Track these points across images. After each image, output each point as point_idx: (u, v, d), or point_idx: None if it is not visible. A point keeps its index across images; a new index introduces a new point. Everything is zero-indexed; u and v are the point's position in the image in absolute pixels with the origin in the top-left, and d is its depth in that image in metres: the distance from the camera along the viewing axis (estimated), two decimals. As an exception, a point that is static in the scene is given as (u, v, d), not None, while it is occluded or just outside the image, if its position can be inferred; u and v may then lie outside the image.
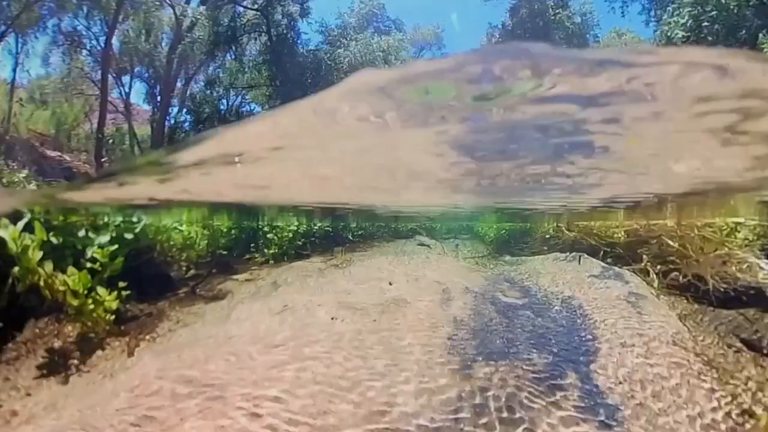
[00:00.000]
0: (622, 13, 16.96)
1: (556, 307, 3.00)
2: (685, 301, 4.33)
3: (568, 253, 6.65)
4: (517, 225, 10.06)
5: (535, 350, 2.08)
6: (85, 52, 14.69)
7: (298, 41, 20.13)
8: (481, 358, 1.86)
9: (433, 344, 1.97)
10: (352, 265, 5.62)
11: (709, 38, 11.92)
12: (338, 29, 21.88)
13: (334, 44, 21.14)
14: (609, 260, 6.00)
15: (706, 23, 11.67)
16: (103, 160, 12.22)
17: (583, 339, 2.37)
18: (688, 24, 12.19)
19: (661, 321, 3.02)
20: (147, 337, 4.11)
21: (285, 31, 19.17)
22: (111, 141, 12.04)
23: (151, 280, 5.27)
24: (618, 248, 5.83)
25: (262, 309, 2.84)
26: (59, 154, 12.61)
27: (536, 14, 19.27)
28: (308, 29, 31.18)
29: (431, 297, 2.72)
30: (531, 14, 19.35)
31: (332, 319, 2.29)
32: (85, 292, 4.03)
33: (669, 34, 12.83)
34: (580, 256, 5.59)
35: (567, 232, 7.80)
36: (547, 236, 8.52)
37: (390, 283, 3.20)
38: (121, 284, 4.65)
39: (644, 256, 4.47)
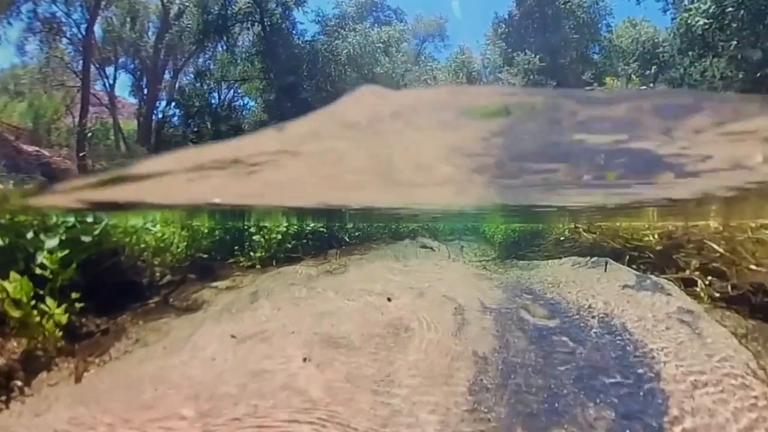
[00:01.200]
0: (638, 0, 16.39)
1: (596, 330, 2.45)
2: (738, 316, 3.78)
3: (588, 258, 6.10)
4: (528, 226, 9.53)
5: (589, 402, 1.54)
6: (65, 40, 14.13)
7: (294, 31, 19.57)
8: (519, 427, 1.32)
9: (449, 403, 1.42)
10: (347, 272, 5.07)
11: (733, 25, 11.36)
12: (336, 19, 21.30)
13: (332, 35, 20.58)
14: (634, 266, 5.47)
15: (730, 9, 11.10)
16: (81, 154, 11.69)
17: (644, 378, 1.83)
18: (711, 10, 11.63)
19: (727, 347, 2.48)
20: (97, 360, 3.57)
21: (279, 21, 18.61)
22: (89, 134, 11.50)
23: (116, 289, 4.73)
24: (647, 253, 5.28)
25: (225, 335, 2.31)
26: (36, 149, 12.06)
27: (545, 3, 18.69)
28: (304, 19, 30.55)
29: (441, 320, 2.18)
30: (539, 3, 18.78)
31: (304, 360, 1.74)
32: (31, 302, 3.52)
33: (689, 21, 12.26)
34: (606, 262, 5.04)
35: (585, 233, 7.25)
36: (562, 238, 7.98)
37: (389, 299, 2.65)
38: (74, 295, 4.12)
39: (692, 263, 3.90)
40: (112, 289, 4.67)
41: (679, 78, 13.14)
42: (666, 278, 4.38)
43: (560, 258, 7.12)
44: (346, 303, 2.59)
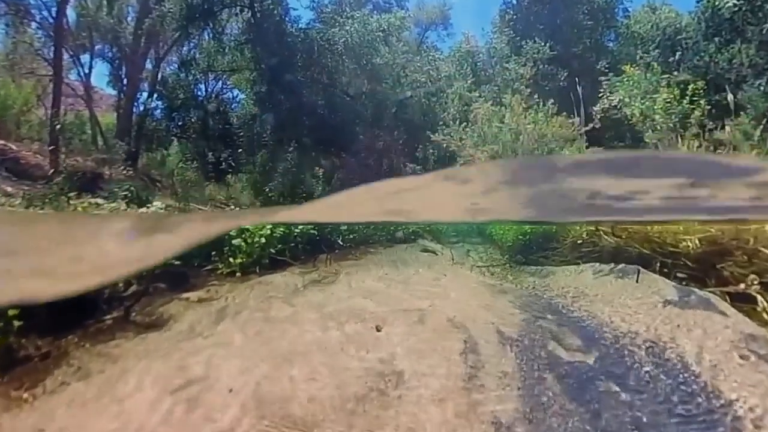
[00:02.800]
0: (657, -17, 15.91)
1: (648, 369, 1.97)
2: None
3: (612, 265, 5.62)
4: (540, 228, 9.07)
5: None
6: (34, 24, 13.62)
7: (287, 18, 19.08)
8: None
9: None
10: (336, 284, 4.59)
11: (766, 7, 10.85)
12: (332, 5, 20.79)
13: (328, 22, 20.09)
14: (664, 273, 4.99)
15: (763, -12, 10.60)
16: (50, 148, 11.20)
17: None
18: (741, -9, 11.14)
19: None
20: (26, 394, 3.09)
21: (271, 7, 18.12)
22: (58, 127, 11.01)
23: (68, 302, 4.26)
24: (684, 260, 4.79)
25: (156, 381, 1.82)
26: (3, 142, 11.59)
27: (556, -13, 18.22)
28: (298, 5, 30.05)
29: (446, 362, 1.69)
30: (550, -13, 18.30)
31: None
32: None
33: (716, 3, 11.76)
34: (638, 271, 4.54)
35: (606, 237, 6.76)
36: (579, 241, 7.51)
37: (377, 329, 2.16)
38: (12, 312, 3.67)
39: (749, 276, 3.41)
40: (64, 303, 4.22)
41: (704, 66, 12.65)
42: (710, 292, 3.90)
43: (578, 264, 6.66)
44: (323, 335, 2.11)
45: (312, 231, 8.00)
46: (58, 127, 10.76)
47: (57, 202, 6.02)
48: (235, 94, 20.64)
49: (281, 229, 7.23)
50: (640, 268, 4.64)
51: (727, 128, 7.29)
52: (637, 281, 4.37)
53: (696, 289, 3.70)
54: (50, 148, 10.88)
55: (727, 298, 3.83)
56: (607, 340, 2.46)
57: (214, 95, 18.74)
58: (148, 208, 6.25)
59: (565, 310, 3.30)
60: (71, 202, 6.32)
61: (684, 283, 4.53)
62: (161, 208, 6.24)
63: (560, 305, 3.47)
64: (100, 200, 6.52)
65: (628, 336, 2.53)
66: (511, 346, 2.03)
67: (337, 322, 2.43)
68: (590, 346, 2.26)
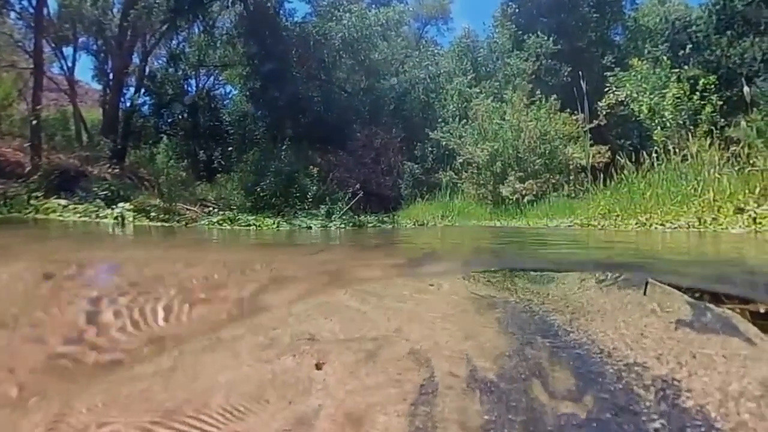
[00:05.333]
0: (665, -25, 15.44)
1: (656, 424, 1.54)
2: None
3: (617, 275, 5.19)
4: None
5: None
6: (13, 14, 13.29)
7: (281, 11, 18.77)
8: None
9: None
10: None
11: (782, -3, 10.39)
12: (328, -2, 20.44)
13: (324, 16, 19.76)
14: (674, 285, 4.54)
15: (777, -22, 10.13)
16: (26, 145, 10.83)
17: None
18: (754, -19, 10.67)
19: None
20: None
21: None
22: (34, 122, 10.63)
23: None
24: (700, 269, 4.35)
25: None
26: (-20, 139, 11.27)
27: (560, -21, 17.77)
28: (293, -3, 29.74)
29: (382, 423, 1.27)
30: (554, -21, 17.85)
31: None
32: None
33: (728, -7, 11.31)
34: (646, 283, 4.10)
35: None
36: (581, 245, 7.11)
37: (317, 366, 1.75)
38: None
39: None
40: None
41: (715, 60, 12.18)
42: (729, 309, 3.45)
43: (578, 270, 6.24)
44: (250, 371, 1.69)
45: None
46: (34, 122, 10.35)
47: (16, 204, 5.61)
48: (227, 90, 20.33)
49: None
50: (649, 279, 4.20)
51: (743, 123, 6.83)
52: (645, 294, 3.92)
53: (712, 306, 3.25)
54: (26, 144, 10.51)
55: (748, 315, 3.39)
56: (607, 376, 2.02)
57: (204, 91, 18.38)
58: (112, 209, 5.85)
59: (559, 331, 2.85)
60: (32, 202, 5.92)
61: (696, 296, 4.10)
62: (128, 210, 5.84)
63: (556, 324, 3.03)
64: (63, 201, 6.11)
65: (634, 370, 2.09)
66: (482, 391, 1.61)
67: (275, 352, 2.01)
68: (585, 389, 1.83)
